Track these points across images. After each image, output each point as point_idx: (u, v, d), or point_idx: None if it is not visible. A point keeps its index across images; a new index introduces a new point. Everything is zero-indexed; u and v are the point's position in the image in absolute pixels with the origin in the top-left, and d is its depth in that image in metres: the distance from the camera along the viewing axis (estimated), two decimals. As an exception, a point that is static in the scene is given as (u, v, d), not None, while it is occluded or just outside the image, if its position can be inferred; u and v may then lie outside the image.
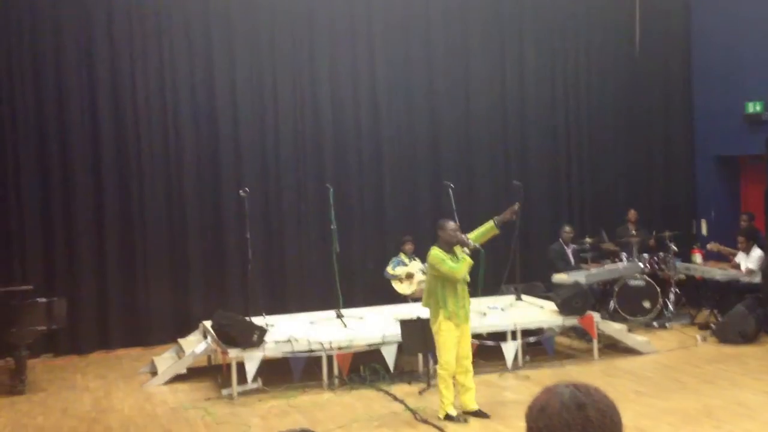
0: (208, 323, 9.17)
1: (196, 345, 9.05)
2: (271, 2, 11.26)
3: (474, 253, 7.38)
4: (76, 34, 10.50)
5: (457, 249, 7.31)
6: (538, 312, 9.61)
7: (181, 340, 9.61)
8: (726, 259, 11.03)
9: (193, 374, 9.04)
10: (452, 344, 7.18)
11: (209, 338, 8.91)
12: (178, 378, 8.89)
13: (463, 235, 7.26)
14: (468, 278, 7.28)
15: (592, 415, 1.73)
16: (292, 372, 8.32)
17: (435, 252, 7.17)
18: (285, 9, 11.32)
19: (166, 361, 9.32)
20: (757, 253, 10.60)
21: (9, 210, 10.29)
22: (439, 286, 7.15)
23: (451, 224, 7.37)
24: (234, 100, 11.13)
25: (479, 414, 7.37)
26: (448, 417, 7.26)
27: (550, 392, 1.80)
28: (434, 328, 7.25)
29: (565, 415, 1.73)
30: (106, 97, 10.62)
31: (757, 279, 10.52)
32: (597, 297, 11.12)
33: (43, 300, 8.88)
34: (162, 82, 10.85)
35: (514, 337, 8.96)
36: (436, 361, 8.56)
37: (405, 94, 11.94)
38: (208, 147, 11.06)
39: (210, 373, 9.02)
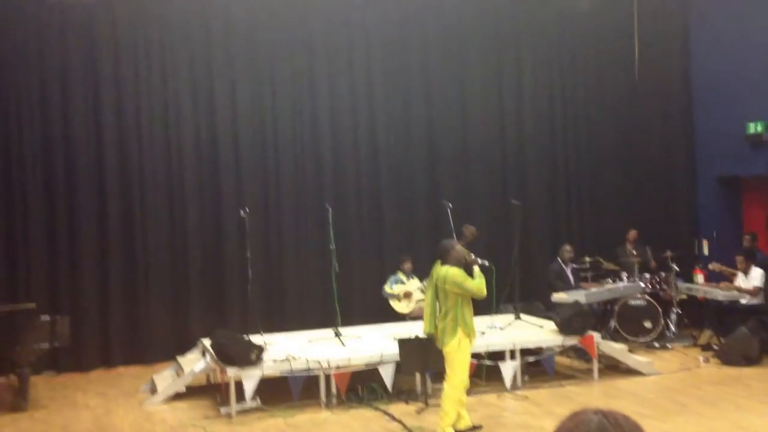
0: (207, 341, 9.19)
1: (195, 363, 9.05)
2: (271, 26, 11.38)
3: (484, 270, 7.39)
4: (82, 59, 10.64)
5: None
6: (537, 331, 9.58)
7: (180, 358, 9.62)
8: (728, 279, 10.98)
9: (192, 392, 9.04)
10: (468, 362, 7.22)
11: (208, 357, 8.91)
12: (177, 396, 8.90)
13: (472, 254, 7.31)
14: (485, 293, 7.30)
15: None
16: (290, 391, 8.30)
17: (454, 271, 7.10)
18: (285, 35, 11.43)
19: (165, 379, 9.32)
20: (757, 272, 10.57)
21: (14, 229, 10.39)
22: (458, 304, 7.10)
23: (460, 244, 7.44)
24: (234, 121, 11.22)
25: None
26: None
27: (576, 419, 1.69)
28: (451, 346, 7.12)
29: None
30: (111, 121, 10.74)
31: (760, 299, 10.49)
32: (597, 317, 11.09)
33: (47, 318, 8.92)
34: (164, 105, 10.96)
35: (513, 357, 8.93)
36: (434, 380, 8.61)
37: (403, 115, 12.00)
38: (209, 167, 11.14)
39: (209, 392, 9.02)
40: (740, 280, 10.69)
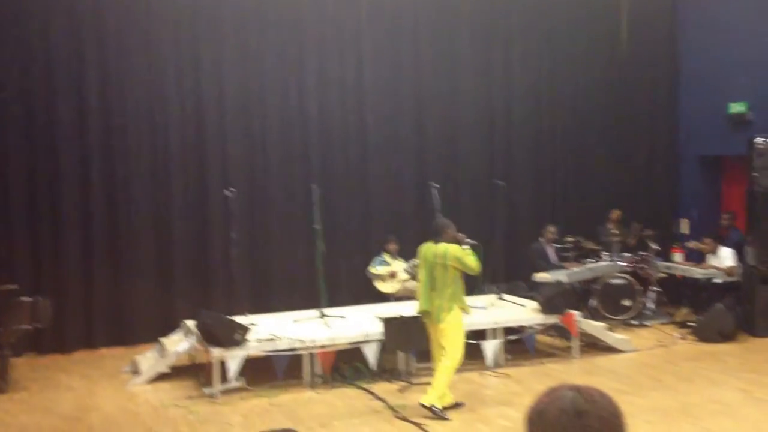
0: (191, 322, 9.21)
1: (179, 344, 9.08)
2: (259, 5, 11.29)
3: (474, 249, 7.63)
4: (65, 34, 10.49)
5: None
6: (519, 311, 9.70)
7: (163, 339, 9.63)
8: (704, 257, 11.17)
9: (175, 373, 9.06)
10: (464, 336, 7.49)
11: (192, 337, 8.94)
12: (160, 377, 8.92)
13: (460, 234, 7.58)
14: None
15: (592, 424, 1.63)
16: (274, 370, 8.36)
17: (455, 247, 7.36)
18: (273, 14, 11.33)
19: (148, 360, 9.35)
20: (727, 251, 10.77)
21: (-6, 210, 10.30)
22: (455, 280, 7.36)
23: (451, 223, 7.67)
24: (220, 100, 11.15)
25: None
26: (434, 407, 7.28)
27: (552, 395, 1.70)
28: (448, 322, 7.32)
29: (563, 422, 1.64)
30: (94, 98, 10.61)
31: (736, 277, 10.67)
32: (578, 296, 11.23)
33: (28, 299, 8.89)
34: (149, 83, 10.86)
35: (494, 336, 9.03)
36: (418, 360, 8.71)
37: (391, 95, 11.99)
38: (194, 147, 11.09)
39: (192, 372, 9.04)
40: (711, 261, 10.89)
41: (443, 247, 7.37)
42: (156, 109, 10.90)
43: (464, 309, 7.44)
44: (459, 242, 7.48)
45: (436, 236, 7.49)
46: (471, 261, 7.38)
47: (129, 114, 10.77)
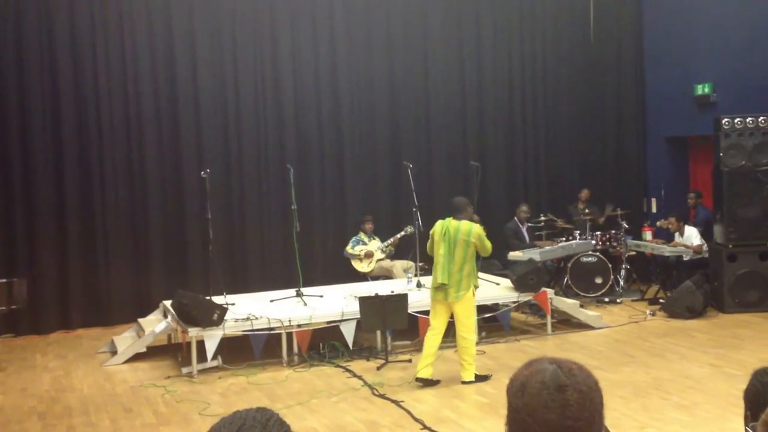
0: (168, 303, 9.23)
1: (156, 324, 9.09)
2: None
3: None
4: (38, 17, 10.39)
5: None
6: (494, 289, 9.83)
7: (141, 320, 9.65)
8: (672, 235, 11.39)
9: (153, 353, 9.10)
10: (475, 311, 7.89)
11: (169, 317, 8.96)
12: (137, 357, 8.95)
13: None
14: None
15: (572, 398, 1.66)
16: (252, 350, 8.41)
17: (476, 227, 7.67)
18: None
19: (125, 340, 9.35)
20: (692, 230, 10.99)
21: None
22: (473, 257, 7.64)
23: (468, 202, 8.05)
24: (195, 80, 11.13)
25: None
26: (478, 377, 7.73)
27: (532, 368, 1.73)
28: (464, 301, 7.61)
29: (544, 396, 1.67)
30: (67, 78, 10.56)
31: (703, 255, 10.90)
32: (551, 274, 11.40)
33: (3, 280, 8.85)
34: (123, 64, 10.81)
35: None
36: (394, 338, 8.82)
37: (365, 75, 12.04)
38: (169, 128, 11.06)
39: (170, 352, 9.09)
40: (678, 239, 11.11)
41: (467, 224, 7.62)
42: (130, 91, 10.85)
43: (476, 285, 7.78)
44: (475, 221, 7.85)
45: (457, 213, 7.71)
46: (488, 243, 7.72)
47: (102, 97, 10.71)
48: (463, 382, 7.70)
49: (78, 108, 10.62)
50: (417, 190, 10.01)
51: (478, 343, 9.03)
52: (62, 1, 10.51)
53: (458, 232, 7.57)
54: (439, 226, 7.76)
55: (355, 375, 8.13)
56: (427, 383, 7.69)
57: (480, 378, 7.75)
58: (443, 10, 12.42)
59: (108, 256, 10.73)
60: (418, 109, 12.32)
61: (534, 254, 10.58)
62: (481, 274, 10.22)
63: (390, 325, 8.58)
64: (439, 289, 7.64)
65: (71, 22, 10.56)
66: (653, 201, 13.04)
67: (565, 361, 1.75)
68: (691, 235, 10.98)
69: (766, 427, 2.15)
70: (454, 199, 8.04)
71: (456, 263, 7.55)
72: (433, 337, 7.75)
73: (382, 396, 7.44)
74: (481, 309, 9.29)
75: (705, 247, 10.92)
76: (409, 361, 8.57)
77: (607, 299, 11.09)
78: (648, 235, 11.76)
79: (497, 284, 10.00)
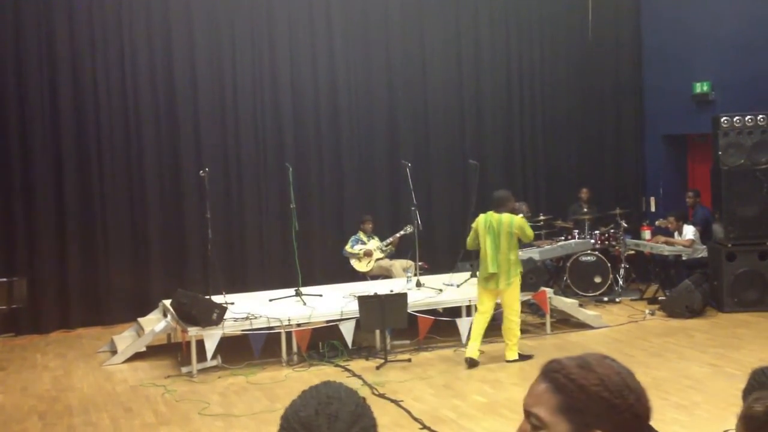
0: (168, 302, 9.24)
1: (156, 324, 9.10)
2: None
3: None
4: (37, 20, 10.40)
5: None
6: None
7: (140, 319, 9.65)
8: (671, 234, 11.40)
9: (152, 352, 9.11)
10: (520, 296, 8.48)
11: (169, 317, 8.97)
12: (137, 356, 8.96)
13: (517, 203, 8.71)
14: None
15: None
16: (251, 349, 8.42)
17: (517, 218, 8.30)
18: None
19: (125, 339, 9.36)
20: (689, 229, 11.01)
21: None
22: (516, 248, 8.27)
23: (511, 194, 8.59)
24: (193, 80, 11.13)
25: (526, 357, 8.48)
26: (520, 355, 8.39)
27: (606, 365, 1.60)
28: (509, 284, 8.25)
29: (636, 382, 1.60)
30: (66, 76, 10.56)
31: (702, 254, 10.90)
32: (550, 273, 11.41)
33: (3, 280, 8.86)
34: (122, 62, 10.81)
35: (469, 313, 9.16)
36: (393, 337, 8.84)
37: (363, 73, 12.04)
38: (167, 127, 11.05)
39: (169, 351, 9.09)
40: (677, 238, 11.13)
41: (508, 216, 8.21)
42: (129, 91, 10.85)
43: (519, 273, 8.37)
44: (516, 211, 8.36)
45: (498, 207, 8.28)
46: (531, 231, 8.35)
47: (101, 96, 10.71)
48: (507, 361, 8.35)
49: (77, 107, 10.62)
50: (415, 189, 10.00)
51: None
52: (61, 1, 10.50)
53: (501, 224, 8.16)
54: (482, 219, 8.31)
55: (354, 374, 8.14)
56: (473, 363, 8.22)
57: (523, 357, 8.37)
58: (440, 10, 12.41)
59: (108, 255, 10.73)
60: (417, 108, 12.31)
61: (533, 253, 10.59)
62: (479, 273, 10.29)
63: (389, 325, 8.59)
64: (490, 278, 8.23)
65: (71, 22, 10.55)
66: (652, 200, 13.05)
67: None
68: (687, 233, 11.00)
69: (742, 423, 2.15)
70: (496, 193, 8.58)
71: (503, 253, 8.15)
72: (482, 320, 8.37)
73: (382, 395, 7.44)
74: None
75: (699, 245, 10.93)
76: (409, 360, 8.58)
77: (606, 298, 11.10)
78: (647, 234, 11.76)
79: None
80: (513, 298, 8.37)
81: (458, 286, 9.88)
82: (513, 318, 8.38)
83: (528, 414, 1.61)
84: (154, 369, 8.65)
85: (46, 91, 10.48)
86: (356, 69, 11.97)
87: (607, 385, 1.56)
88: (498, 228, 8.17)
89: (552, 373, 1.62)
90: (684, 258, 10.99)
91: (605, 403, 1.55)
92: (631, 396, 1.56)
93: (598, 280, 11.14)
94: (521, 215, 8.44)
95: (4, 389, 8.14)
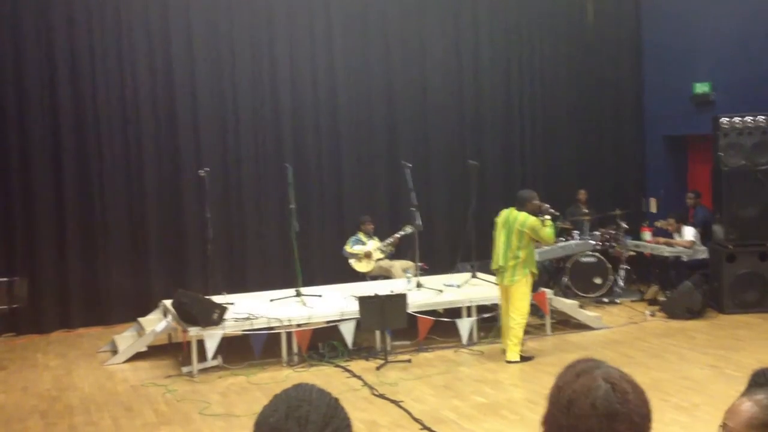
0: (168, 302, 9.24)
1: (157, 324, 9.11)
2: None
3: (554, 219, 8.65)
4: (35, 21, 10.40)
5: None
6: (492, 289, 9.81)
7: (141, 319, 9.66)
8: (671, 236, 11.40)
9: (153, 352, 9.11)
10: (530, 295, 8.49)
11: (170, 317, 8.98)
12: (138, 356, 8.96)
13: (545, 205, 8.49)
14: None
15: (621, 428, 1.52)
16: (252, 349, 8.43)
17: (533, 219, 8.32)
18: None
19: (126, 339, 9.36)
20: (689, 230, 11.01)
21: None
22: (528, 245, 8.33)
23: (535, 195, 8.60)
24: (193, 78, 11.13)
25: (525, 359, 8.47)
26: (523, 359, 8.37)
27: (583, 382, 1.55)
28: (518, 281, 8.32)
29: (593, 422, 1.51)
30: (66, 78, 10.55)
31: (702, 255, 10.90)
32: (550, 274, 11.41)
33: (4, 279, 8.87)
34: (121, 63, 10.81)
35: (469, 314, 9.17)
36: (393, 338, 8.85)
37: (362, 74, 12.03)
38: (167, 127, 11.05)
39: (170, 351, 9.10)
40: (677, 239, 11.14)
41: (523, 216, 8.33)
42: (128, 91, 10.85)
43: (532, 273, 8.41)
44: (542, 212, 8.38)
45: (520, 206, 8.44)
46: (545, 233, 8.34)
47: (101, 96, 10.71)
48: (507, 362, 8.36)
49: (77, 108, 10.62)
50: (415, 190, 10.01)
51: (475, 344, 9.09)
52: (60, 1, 10.51)
53: (515, 222, 8.33)
54: (503, 214, 8.54)
55: (354, 375, 8.15)
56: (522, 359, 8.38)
57: (524, 359, 8.38)
58: (440, 8, 12.40)
59: (108, 255, 10.73)
60: (416, 109, 12.31)
61: (533, 254, 10.57)
62: (479, 274, 10.31)
63: (389, 325, 8.59)
64: (497, 272, 8.48)
65: (71, 23, 10.55)
66: (652, 201, 13.05)
67: (618, 378, 1.58)
68: (687, 234, 11.00)
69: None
70: (520, 191, 8.80)
71: (512, 250, 8.30)
72: (505, 317, 8.54)
73: (382, 396, 7.45)
74: (481, 309, 9.32)
75: (699, 246, 10.93)
76: (409, 361, 8.59)
77: (606, 300, 11.10)
78: (647, 235, 11.76)
79: (496, 284, 9.98)
80: (518, 296, 8.40)
81: (458, 286, 9.88)
82: (515, 317, 8.38)
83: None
84: (155, 369, 8.66)
85: (46, 92, 10.48)
86: (356, 69, 11.97)
87: (561, 397, 1.58)
88: (512, 225, 8.37)
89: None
90: (684, 259, 10.99)
91: (550, 407, 1.60)
92: (567, 420, 1.56)
93: (598, 281, 11.13)
94: (548, 217, 8.41)
95: (5, 389, 8.15)
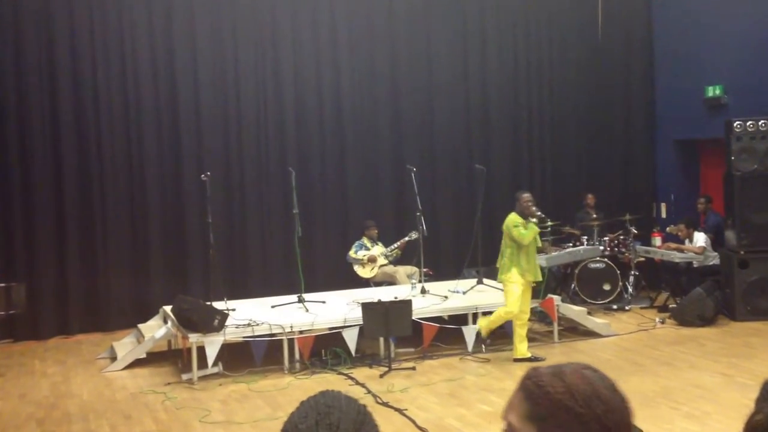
0: (168, 308, 9.13)
1: (156, 330, 9.01)
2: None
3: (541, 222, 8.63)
4: (36, 23, 10.33)
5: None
6: (499, 295, 9.65)
7: (140, 326, 9.56)
8: (682, 241, 11.23)
9: (153, 359, 9.00)
10: (518, 293, 8.43)
11: (170, 323, 8.86)
12: (137, 363, 8.86)
13: (533, 207, 8.45)
14: (539, 243, 8.85)
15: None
16: (253, 356, 8.31)
17: (511, 217, 8.44)
18: (248, 0, 11.22)
19: (125, 346, 9.26)
20: (700, 236, 10.84)
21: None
22: (513, 247, 8.38)
23: (526, 196, 8.58)
24: (195, 83, 11.06)
25: (534, 359, 8.42)
26: (532, 358, 8.39)
27: (579, 375, 1.59)
28: (505, 280, 8.46)
29: (618, 396, 1.60)
30: (67, 81, 10.49)
31: (714, 261, 10.73)
32: (558, 280, 11.25)
33: (2, 285, 8.78)
34: (123, 67, 10.74)
35: (475, 321, 9.02)
36: (397, 345, 8.71)
37: (367, 78, 11.94)
38: (169, 131, 10.98)
39: (170, 358, 9.01)
40: (688, 245, 10.97)
41: (509, 215, 8.50)
42: (129, 94, 10.79)
43: (523, 275, 8.37)
44: (529, 214, 8.38)
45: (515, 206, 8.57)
46: (515, 232, 8.32)
47: (102, 99, 10.64)
48: (514, 360, 8.52)
49: (78, 111, 10.55)
50: (421, 195, 9.88)
51: (482, 352, 8.93)
52: (62, 3, 10.42)
53: (505, 223, 8.49)
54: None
55: (357, 382, 8.01)
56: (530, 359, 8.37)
57: (535, 359, 8.40)
58: (447, 13, 12.30)
59: (107, 260, 10.64)
60: (422, 113, 12.20)
61: (540, 260, 10.41)
62: (485, 280, 10.17)
63: (393, 332, 8.45)
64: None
65: (70, 24, 10.48)
66: (663, 206, 12.88)
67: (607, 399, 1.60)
68: (698, 240, 10.83)
69: None
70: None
71: (502, 248, 8.54)
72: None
73: (386, 404, 7.31)
74: (486, 316, 9.16)
75: (711, 252, 10.76)
76: (413, 368, 8.44)
77: (615, 306, 10.93)
78: (657, 240, 11.59)
79: (502, 291, 9.82)
80: (506, 293, 8.55)
81: (464, 293, 9.74)
82: (500, 313, 8.57)
83: (504, 420, 1.64)
84: (155, 376, 8.55)
85: (46, 96, 10.41)
86: (360, 72, 11.87)
87: (574, 393, 1.55)
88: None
89: (526, 380, 1.63)
90: (695, 265, 10.82)
91: (569, 412, 1.54)
92: (599, 407, 1.55)
93: (607, 287, 10.97)
94: (533, 219, 8.43)
95: (3, 396, 8.06)
